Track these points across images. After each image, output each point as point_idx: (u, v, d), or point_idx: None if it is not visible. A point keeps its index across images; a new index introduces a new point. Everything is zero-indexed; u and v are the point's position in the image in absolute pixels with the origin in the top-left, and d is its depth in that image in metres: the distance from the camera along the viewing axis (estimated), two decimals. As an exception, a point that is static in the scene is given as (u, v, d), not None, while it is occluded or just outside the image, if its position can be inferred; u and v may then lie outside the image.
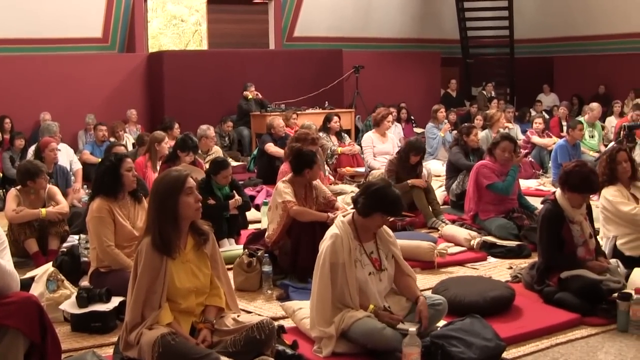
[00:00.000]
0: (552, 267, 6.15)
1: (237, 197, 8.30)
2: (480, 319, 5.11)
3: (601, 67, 21.07)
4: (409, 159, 9.46)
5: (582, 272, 5.95)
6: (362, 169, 11.99)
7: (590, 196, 6.34)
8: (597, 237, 6.60)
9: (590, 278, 5.88)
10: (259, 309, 6.26)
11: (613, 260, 6.51)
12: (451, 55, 22.64)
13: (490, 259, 7.75)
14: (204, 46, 20.43)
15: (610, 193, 6.83)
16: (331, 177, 12.06)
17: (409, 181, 9.25)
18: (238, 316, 4.87)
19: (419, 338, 4.73)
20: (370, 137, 12.02)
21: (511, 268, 7.19)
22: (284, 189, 7.05)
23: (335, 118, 12.99)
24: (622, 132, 10.71)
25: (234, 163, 13.92)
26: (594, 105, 14.26)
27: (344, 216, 5.29)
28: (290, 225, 6.92)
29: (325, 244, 5.10)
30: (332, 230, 5.14)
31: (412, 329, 4.67)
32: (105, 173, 6.39)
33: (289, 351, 4.92)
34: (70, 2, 16.86)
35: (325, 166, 12.19)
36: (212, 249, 4.95)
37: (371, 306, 5.02)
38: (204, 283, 4.84)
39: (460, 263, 7.57)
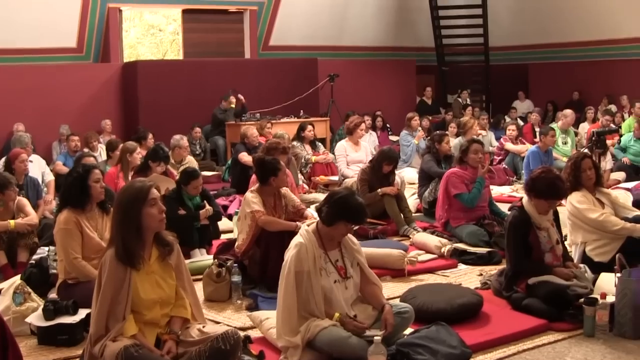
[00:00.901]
0: (520, 273, 6.17)
1: (207, 207, 8.30)
2: (446, 326, 5.12)
3: (575, 74, 21.23)
4: (381, 168, 9.47)
5: (549, 278, 5.97)
6: (336, 178, 11.98)
7: (557, 202, 6.34)
8: (565, 243, 6.63)
9: (557, 284, 5.90)
10: (228, 319, 6.24)
11: (580, 266, 6.53)
12: (427, 63, 22.72)
13: (461, 266, 7.77)
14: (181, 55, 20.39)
15: (576, 199, 6.87)
16: (305, 186, 12.04)
17: (379, 190, 9.25)
18: (203, 327, 4.83)
19: (384, 346, 4.73)
20: (343, 146, 12.03)
21: (481, 275, 7.20)
22: (252, 198, 7.05)
23: (310, 127, 12.98)
24: (592, 138, 10.74)
25: (208, 173, 13.93)
26: (567, 111, 14.31)
27: (308, 225, 5.29)
28: (259, 235, 6.91)
29: (290, 253, 5.10)
30: (297, 239, 5.15)
31: (378, 337, 4.67)
32: (73, 184, 6.33)
33: (253, 362, 4.91)
34: (45, 12, 16.76)
35: (300, 175, 12.19)
36: (177, 260, 4.92)
37: (337, 314, 5.01)
38: (168, 294, 4.81)
39: (431, 270, 7.58)
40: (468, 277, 7.38)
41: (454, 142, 11.76)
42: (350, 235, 5.35)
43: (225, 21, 19.85)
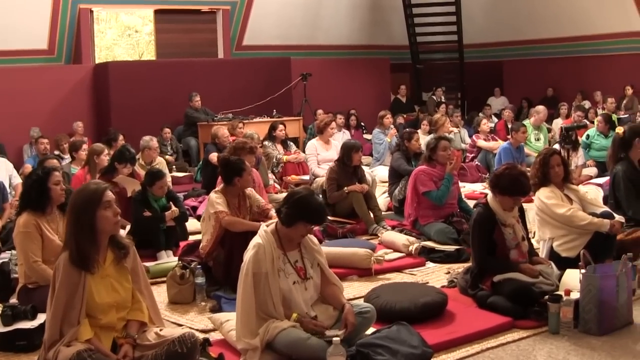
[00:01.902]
0: (485, 271, 6.11)
1: (173, 208, 8.23)
2: (408, 326, 5.05)
3: (549, 70, 21.32)
4: (351, 161, 9.39)
5: (515, 276, 5.92)
6: (307, 177, 11.90)
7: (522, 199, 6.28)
8: (532, 239, 6.58)
9: (522, 281, 5.85)
10: (191, 322, 6.17)
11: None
12: (401, 61, 22.70)
13: (429, 264, 7.72)
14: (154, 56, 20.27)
15: (544, 195, 6.83)
16: (277, 186, 11.98)
17: (345, 188, 9.19)
18: (161, 330, 4.76)
19: (344, 347, 4.67)
20: (314, 145, 11.96)
21: (449, 273, 7.16)
22: (216, 199, 6.97)
23: (281, 126, 12.89)
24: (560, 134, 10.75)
25: (181, 174, 13.84)
26: (540, 107, 14.32)
27: (267, 225, 5.21)
28: (223, 236, 6.83)
29: (248, 254, 5.03)
30: (255, 240, 5.08)
31: (337, 337, 4.59)
32: (32, 187, 6.24)
33: (211, 365, 4.84)
34: (15, 14, 16.61)
35: (271, 175, 12.12)
36: (133, 263, 4.84)
37: (294, 314, 4.94)
38: (124, 297, 4.73)
39: (398, 269, 7.52)
40: (435, 275, 7.33)
41: (425, 140, 11.68)
42: (310, 236, 5.28)
43: (198, 21, 19.75)
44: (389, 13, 22.17)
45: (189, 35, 19.67)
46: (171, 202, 8.33)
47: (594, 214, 6.81)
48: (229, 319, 5.44)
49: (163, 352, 4.51)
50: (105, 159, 9.76)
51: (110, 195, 4.67)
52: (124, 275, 4.76)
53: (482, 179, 12.51)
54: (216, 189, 7.25)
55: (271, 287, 4.92)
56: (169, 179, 11.30)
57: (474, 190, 11.65)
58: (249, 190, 7.29)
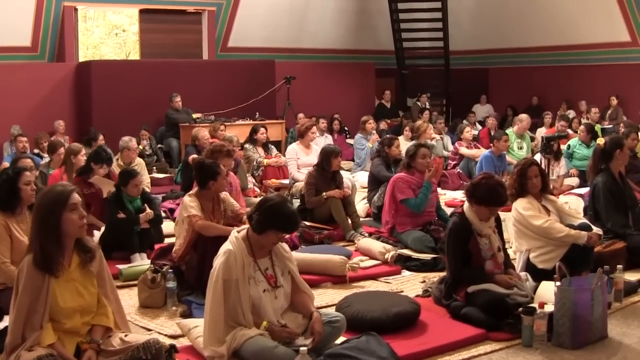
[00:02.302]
0: (460, 281, 6.04)
1: (148, 210, 8.13)
2: (377, 336, 4.97)
3: (535, 78, 21.28)
4: (330, 166, 9.34)
5: (489, 287, 5.84)
6: (287, 181, 11.82)
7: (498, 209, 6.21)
8: (508, 250, 6.50)
9: (496, 292, 5.78)
10: (160, 327, 6.07)
11: (522, 274, 6.42)
12: (387, 66, 22.62)
13: (405, 273, 7.63)
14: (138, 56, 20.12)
15: (521, 206, 6.75)
16: (257, 189, 11.88)
17: (324, 194, 9.12)
18: (126, 335, 4.66)
19: (312, 356, 4.60)
20: (294, 149, 11.89)
21: (424, 282, 7.09)
22: (189, 202, 6.87)
23: (262, 129, 12.80)
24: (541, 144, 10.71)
25: (161, 175, 13.73)
26: (523, 116, 14.27)
27: (238, 232, 5.12)
28: (196, 240, 6.74)
29: (218, 261, 4.94)
30: (226, 246, 4.99)
31: (304, 347, 4.51)
32: (3, 187, 6.13)
33: (175, 372, 4.76)
34: (-2, 10, 16.47)
35: (251, 178, 12.03)
36: (99, 267, 4.75)
37: (264, 322, 4.86)
38: (89, 302, 4.63)
39: (374, 277, 7.43)
40: (411, 284, 7.24)
41: (408, 146, 11.60)
42: (282, 243, 5.19)
43: (183, 22, 19.58)
44: (375, 18, 22.06)
45: (174, 36, 19.50)
46: (146, 204, 8.22)
47: (571, 226, 6.73)
48: (197, 325, 5.35)
49: (127, 358, 4.44)
50: (82, 159, 9.64)
51: (76, 197, 4.57)
52: (90, 280, 4.67)
53: (463, 187, 12.39)
54: (190, 192, 7.15)
55: (241, 295, 4.83)
56: (147, 180, 11.25)
57: (454, 197, 11.59)
58: (224, 195, 7.20)
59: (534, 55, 21.29)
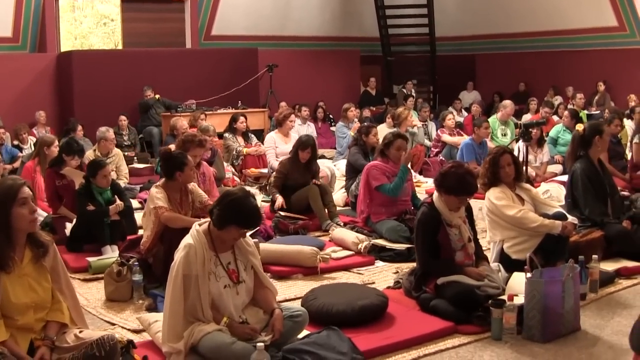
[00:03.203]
0: (429, 272, 5.91)
1: (118, 202, 7.98)
2: (338, 331, 4.85)
3: (522, 64, 21.18)
4: (298, 157, 9.25)
5: (459, 278, 5.72)
6: (266, 170, 11.68)
7: (469, 198, 6.07)
8: (479, 240, 6.35)
9: (465, 284, 5.65)
10: (124, 321, 5.96)
11: (494, 264, 6.30)
12: (372, 53, 22.47)
13: (379, 263, 7.50)
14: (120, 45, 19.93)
15: (494, 195, 6.62)
16: (236, 179, 11.76)
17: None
18: (81, 332, 4.54)
19: (273, 351, 4.50)
20: (272, 138, 11.76)
21: (397, 272, 6.96)
22: (156, 194, 6.74)
23: (242, 118, 12.66)
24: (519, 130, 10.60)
25: (141, 165, 13.56)
26: (507, 102, 14.13)
27: (199, 225, 4.97)
28: (162, 232, 6.61)
29: (178, 255, 4.80)
30: (186, 240, 4.84)
31: (261, 343, 4.38)
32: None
33: (133, 367, 4.63)
34: (-23, 0, 16.29)
35: (231, 167, 11.91)
36: (53, 261, 4.61)
37: (225, 318, 4.72)
38: (43, 297, 4.50)
39: (346, 268, 7.29)
40: (383, 275, 7.11)
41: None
42: (245, 237, 5.05)
43: (165, 10, 19.42)
44: (360, 4, 21.95)
45: (157, 25, 19.34)
46: (116, 196, 8.08)
47: (545, 215, 6.61)
48: (157, 320, 5.22)
49: (80, 355, 4.32)
50: (55, 150, 9.52)
51: (27, 192, 4.43)
52: (43, 275, 4.54)
53: (445, 175, 12.27)
54: (157, 183, 7.01)
55: (200, 291, 4.70)
56: (125, 171, 11.10)
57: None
58: (192, 185, 7.07)
59: (520, 41, 21.19)
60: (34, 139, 13.96)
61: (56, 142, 9.69)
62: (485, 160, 6.93)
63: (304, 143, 9.34)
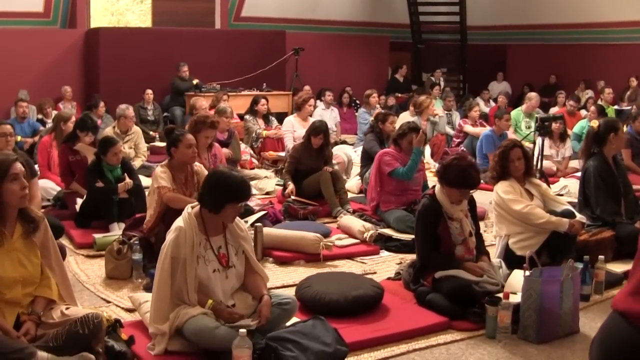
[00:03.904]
0: (428, 266, 5.82)
1: (127, 180, 7.97)
2: (324, 321, 4.77)
3: (553, 56, 20.87)
4: (310, 143, 9.19)
5: (457, 273, 5.62)
6: (283, 154, 11.63)
7: (471, 191, 5.97)
8: (482, 235, 6.26)
9: (463, 279, 5.55)
10: (120, 299, 5.96)
11: (496, 261, 6.19)
12: (403, 40, 22.30)
13: (384, 253, 7.43)
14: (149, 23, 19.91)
15: (502, 189, 6.52)
16: (255, 161, 11.73)
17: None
18: (67, 309, 4.54)
19: (259, 338, 4.46)
20: (290, 121, 11.68)
21: (400, 263, 6.87)
22: (160, 173, 6.71)
23: (263, 100, 12.63)
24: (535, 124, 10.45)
25: (162, 144, 13.54)
26: (532, 94, 13.98)
27: (192, 207, 4.93)
28: (164, 212, 6.58)
29: (168, 237, 4.79)
30: (177, 223, 4.81)
31: (243, 330, 4.33)
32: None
33: (117, 347, 4.60)
34: (9, -25, 16.30)
35: (250, 149, 11.88)
36: (44, 237, 4.62)
37: (209, 301, 4.68)
38: (32, 273, 4.52)
39: (350, 256, 7.23)
40: (386, 265, 7.03)
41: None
42: (238, 221, 5.00)
43: (196, -11, 19.40)
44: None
45: (187, 4, 19.29)
46: (126, 174, 8.07)
47: (553, 212, 6.50)
48: (147, 300, 5.16)
49: (64, 331, 4.34)
50: (71, 126, 9.51)
51: (18, 167, 4.42)
52: (33, 250, 4.56)
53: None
54: (162, 162, 6.99)
55: (188, 274, 4.66)
56: (144, 149, 11.11)
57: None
58: (198, 166, 7.02)
59: (553, 33, 20.89)
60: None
61: (73, 118, 9.69)
62: (495, 153, 6.82)
63: (316, 129, 9.26)
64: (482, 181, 7.15)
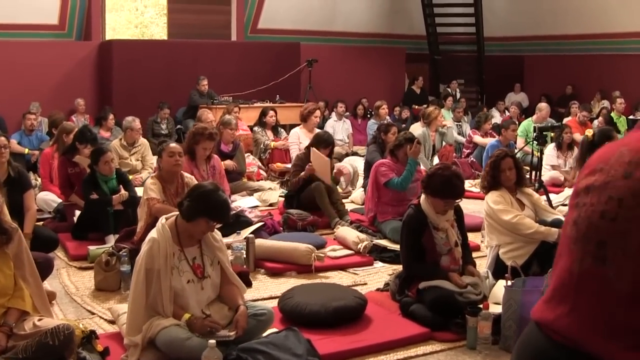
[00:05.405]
0: (413, 276, 5.78)
1: (122, 191, 7.96)
2: (297, 332, 4.74)
3: (570, 67, 20.75)
4: None
5: (440, 284, 5.57)
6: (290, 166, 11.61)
7: (454, 202, 5.91)
8: (469, 245, 6.20)
9: (445, 290, 5.49)
10: (105, 311, 5.94)
11: (483, 271, 6.13)
12: (420, 52, 22.25)
13: (378, 264, 7.36)
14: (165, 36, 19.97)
15: (492, 199, 6.46)
16: (263, 173, 11.72)
17: (302, 174, 9.03)
18: (39, 320, 4.56)
19: (233, 349, 4.43)
20: (297, 133, 11.67)
21: (392, 274, 6.80)
22: (150, 185, 6.74)
23: (271, 112, 12.61)
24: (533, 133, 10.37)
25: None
26: (542, 105, 13.88)
27: (166, 218, 4.92)
28: (153, 223, 6.56)
29: (142, 249, 4.77)
30: (151, 234, 4.81)
31: (212, 341, 4.31)
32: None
33: (89, 358, 4.62)
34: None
35: (258, 161, 11.87)
36: (17, 248, 4.65)
37: (186, 315, 4.66)
38: (5, 284, 4.56)
39: (342, 267, 7.18)
40: (378, 276, 6.97)
41: (417, 133, 11.27)
42: (215, 232, 4.99)
43: (212, 2, 19.39)
44: (408, 2, 21.72)
45: (202, 17, 19.30)
46: (121, 185, 8.07)
47: (544, 222, 6.44)
48: (126, 312, 5.17)
49: (34, 343, 4.38)
50: (73, 137, 9.54)
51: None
52: (5, 262, 4.59)
53: (474, 176, 12.05)
54: (153, 174, 7.00)
55: (162, 286, 4.66)
56: (151, 161, 11.12)
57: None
58: (189, 177, 7.02)
59: (569, 44, 20.78)
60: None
61: (75, 130, 9.72)
62: (486, 163, 6.77)
63: (325, 141, 9.21)
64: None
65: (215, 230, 4.99)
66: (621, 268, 1.97)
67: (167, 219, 4.91)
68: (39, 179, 10.00)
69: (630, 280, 1.95)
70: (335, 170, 9.32)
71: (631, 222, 1.96)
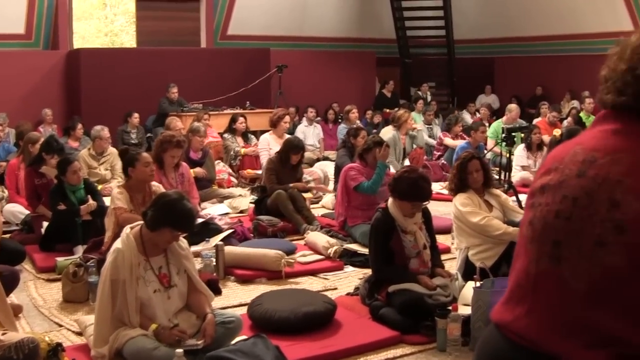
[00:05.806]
0: (382, 280, 5.76)
1: (90, 201, 7.88)
2: (265, 339, 4.71)
3: (539, 68, 20.85)
4: (289, 159, 9.15)
5: (409, 286, 5.56)
6: (261, 172, 11.57)
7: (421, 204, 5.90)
8: (437, 247, 6.20)
9: (414, 292, 5.49)
10: (73, 323, 5.84)
11: (453, 272, 6.13)
12: (390, 55, 22.26)
13: (348, 268, 7.34)
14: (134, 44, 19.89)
15: (460, 202, 6.46)
16: (233, 179, 11.68)
17: (290, 185, 8.95)
18: (3, 334, 4.48)
19: (202, 357, 4.40)
20: (266, 139, 11.65)
21: (362, 278, 6.79)
22: (116, 194, 6.68)
23: (241, 119, 12.58)
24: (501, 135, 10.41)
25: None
26: (512, 106, 13.96)
27: (131, 228, 4.87)
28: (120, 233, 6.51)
29: (107, 260, 4.73)
30: (116, 245, 4.77)
31: (179, 350, 4.28)
32: None
33: (54, 371, 4.55)
34: (-9, -3, 16.30)
35: (228, 168, 11.83)
36: (-20, 262, 4.56)
37: (153, 325, 4.62)
38: (-32, 299, 4.47)
39: (313, 273, 7.15)
40: (349, 280, 6.94)
41: (387, 137, 11.27)
42: (181, 240, 4.94)
43: (180, 9, 19.30)
44: (378, 5, 21.73)
45: (170, 24, 19.16)
46: (89, 196, 8.00)
47: (512, 223, 6.43)
48: (92, 323, 5.12)
49: (-1, 357, 4.27)
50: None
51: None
52: (-32, 276, 4.50)
53: (445, 178, 12.03)
54: (120, 183, 6.94)
55: (128, 296, 4.62)
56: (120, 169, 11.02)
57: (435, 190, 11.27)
58: (156, 186, 6.97)
59: (539, 45, 20.88)
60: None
61: (41, 140, 9.63)
62: (453, 165, 6.77)
63: (297, 146, 9.24)
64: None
65: (181, 238, 4.94)
66: (576, 267, 1.96)
67: (131, 228, 4.87)
68: (6, 191, 9.88)
69: (585, 279, 1.94)
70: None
71: (585, 221, 1.95)
